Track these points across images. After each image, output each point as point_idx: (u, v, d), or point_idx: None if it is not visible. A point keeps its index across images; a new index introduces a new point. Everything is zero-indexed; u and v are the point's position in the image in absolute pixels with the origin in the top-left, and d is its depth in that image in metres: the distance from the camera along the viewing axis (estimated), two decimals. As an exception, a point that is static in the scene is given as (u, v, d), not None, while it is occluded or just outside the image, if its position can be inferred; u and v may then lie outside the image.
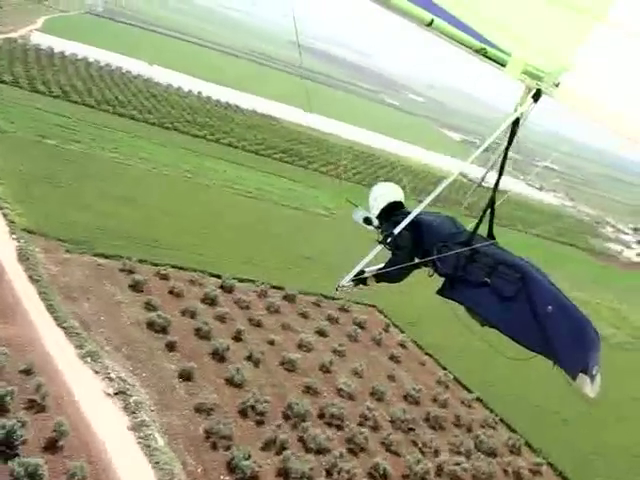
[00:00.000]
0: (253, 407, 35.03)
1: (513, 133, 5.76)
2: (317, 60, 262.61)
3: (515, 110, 5.71)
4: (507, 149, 5.93)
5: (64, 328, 35.03)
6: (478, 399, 47.74)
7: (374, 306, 55.92)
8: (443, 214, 6.71)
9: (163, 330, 38.87)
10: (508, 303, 5.51)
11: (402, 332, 53.52)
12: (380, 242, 6.37)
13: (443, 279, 6.34)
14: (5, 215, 45.24)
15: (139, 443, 29.68)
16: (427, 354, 51.82)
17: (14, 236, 43.03)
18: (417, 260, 6.50)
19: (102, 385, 32.19)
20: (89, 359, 33.48)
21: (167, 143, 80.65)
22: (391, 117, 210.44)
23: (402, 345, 51.45)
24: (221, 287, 47.15)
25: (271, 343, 42.74)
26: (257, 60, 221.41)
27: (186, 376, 35.55)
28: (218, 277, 48.22)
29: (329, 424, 37.09)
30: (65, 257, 42.99)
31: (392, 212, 6.87)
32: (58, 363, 32.12)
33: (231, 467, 30.43)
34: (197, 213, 60.53)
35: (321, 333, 47.51)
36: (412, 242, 6.34)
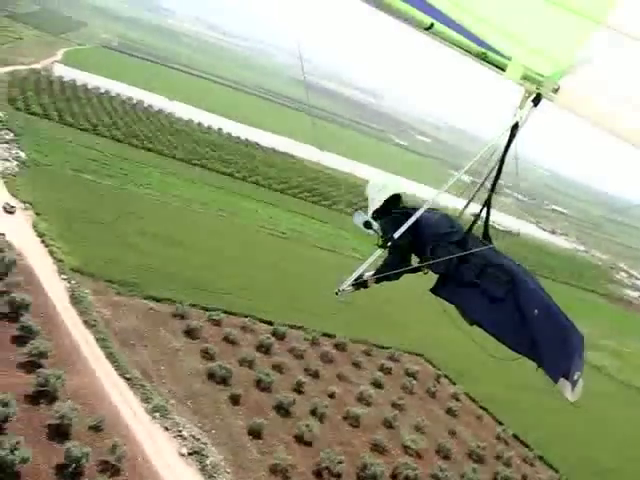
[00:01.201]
0: (327, 468, 32.65)
1: (512, 137, 5.71)
2: (325, 98, 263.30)
3: (514, 114, 5.65)
4: (505, 152, 5.88)
5: (127, 379, 32.75)
6: (539, 457, 45.41)
7: (421, 355, 53.88)
8: (440, 211, 6.60)
9: (224, 381, 36.56)
10: (496, 304, 5.51)
11: (454, 384, 51.44)
12: (380, 246, 6.27)
13: (437, 277, 6.28)
14: (52, 253, 43.04)
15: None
16: (482, 407, 49.58)
17: (64, 276, 40.80)
18: (415, 262, 6.46)
19: (175, 444, 29.80)
20: (158, 414, 31.11)
21: (196, 180, 78.94)
22: (401, 157, 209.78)
23: (456, 398, 49.26)
24: (273, 334, 44.89)
25: (331, 396, 40.51)
26: (266, 97, 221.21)
27: (256, 433, 33.23)
28: (269, 323, 46.05)
29: (401, 487, 34.82)
30: (115, 299, 40.77)
31: (390, 205, 6.76)
32: (127, 419, 29.74)
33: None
34: (237, 254, 58.52)
35: (377, 385, 45.42)
36: (409, 241, 6.27)
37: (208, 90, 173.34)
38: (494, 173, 6.18)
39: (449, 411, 46.58)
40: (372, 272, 6.41)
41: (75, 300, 38.27)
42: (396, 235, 6.07)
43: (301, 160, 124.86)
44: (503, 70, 5.22)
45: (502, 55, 5.26)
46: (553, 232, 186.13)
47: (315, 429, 35.21)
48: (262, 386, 37.74)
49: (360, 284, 6.39)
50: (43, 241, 44.41)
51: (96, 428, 28.00)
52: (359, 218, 6.55)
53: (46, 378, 28.52)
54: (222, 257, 55.89)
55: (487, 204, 6.17)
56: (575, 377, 5.16)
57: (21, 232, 44.11)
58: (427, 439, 40.79)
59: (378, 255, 6.38)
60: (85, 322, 36.39)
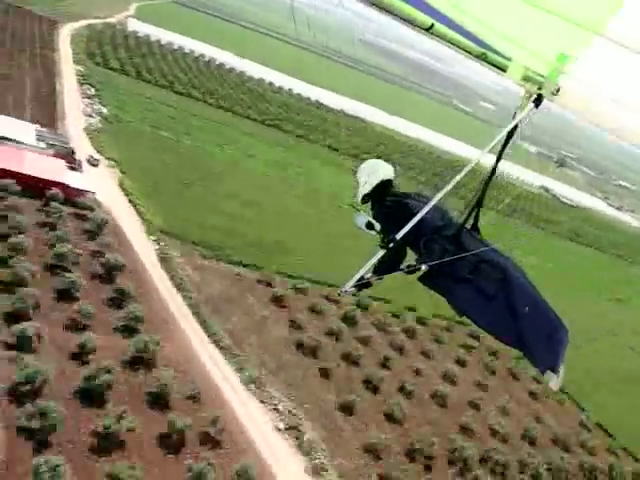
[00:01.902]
0: (419, 449, 31.72)
1: (510, 137, 5.67)
2: (388, 60, 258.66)
3: (514, 116, 5.65)
4: (501, 152, 5.81)
5: (220, 347, 32.15)
6: (623, 448, 43.73)
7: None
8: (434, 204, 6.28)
9: (313, 353, 35.77)
10: (488, 300, 5.61)
11: (535, 365, 49.61)
12: (382, 247, 6.20)
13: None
14: (139, 212, 42.62)
15: (322, 491, 26.61)
16: (563, 391, 47.93)
17: (152, 237, 40.34)
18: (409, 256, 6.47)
19: (271, 418, 29.13)
20: (252, 386, 30.47)
21: (272, 142, 77.84)
22: (465, 123, 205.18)
23: (537, 380, 47.61)
24: (357, 305, 43.89)
25: (417, 372, 39.42)
26: (334, 58, 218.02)
27: (347, 410, 32.36)
28: (353, 295, 44.94)
29: (492, 471, 33.69)
30: (201, 263, 40.16)
31: (380, 190, 6.68)
32: (223, 389, 29.16)
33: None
34: (318, 220, 57.39)
35: (460, 363, 44.13)
36: (405, 236, 6.16)
37: (276, 49, 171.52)
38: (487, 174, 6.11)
39: (532, 394, 45.13)
40: (372, 272, 6.38)
41: (165, 263, 37.81)
42: (398, 236, 6.02)
43: (370, 124, 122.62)
44: (504, 71, 5.20)
45: (502, 56, 5.25)
46: (619, 208, 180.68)
47: (404, 407, 34.29)
48: (351, 360, 36.87)
49: (363, 285, 6.41)
50: (130, 200, 44.05)
51: (194, 398, 27.48)
52: (360, 219, 6.45)
53: (145, 344, 28.03)
54: (303, 222, 54.89)
55: (479, 199, 6.11)
56: (560, 369, 5.45)
57: (108, 190, 43.77)
58: (512, 422, 39.54)
59: (380, 255, 6.31)
60: (176, 286, 35.87)
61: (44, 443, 22.12)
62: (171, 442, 24.79)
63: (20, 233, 32.68)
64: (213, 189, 52.25)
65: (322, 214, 59.69)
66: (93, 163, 47.00)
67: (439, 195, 5.97)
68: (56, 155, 42.80)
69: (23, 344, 25.54)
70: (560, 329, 5.62)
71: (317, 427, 30.07)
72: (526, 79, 5.26)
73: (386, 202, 6.59)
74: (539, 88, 5.27)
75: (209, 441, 25.67)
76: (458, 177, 5.87)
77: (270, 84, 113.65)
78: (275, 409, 29.66)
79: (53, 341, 26.81)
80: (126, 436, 23.66)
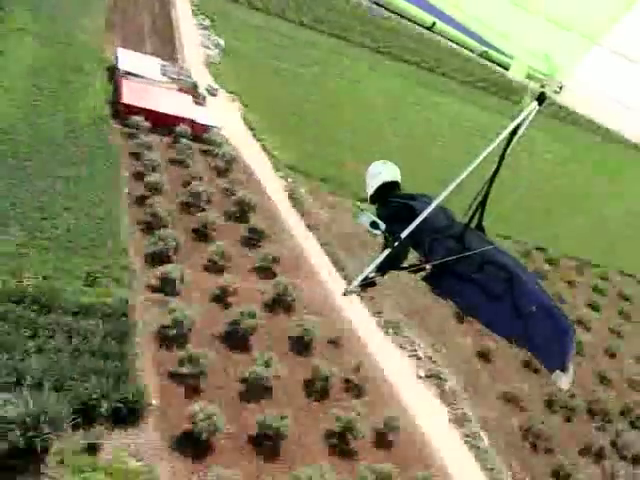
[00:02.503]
0: (557, 401, 30.42)
1: (513, 134, 5.64)
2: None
3: (517, 115, 5.61)
4: (504, 151, 5.81)
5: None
6: None
7: (633, 276, 49.69)
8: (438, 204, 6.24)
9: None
10: (494, 301, 5.55)
11: (673, 312, 46.98)
12: (387, 246, 6.13)
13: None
14: (264, 147, 41.89)
15: (466, 443, 25.73)
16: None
17: (279, 174, 39.62)
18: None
19: (410, 364, 28.35)
20: (391, 330, 29.67)
21: (388, 70, 75.10)
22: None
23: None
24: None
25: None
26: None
27: (485, 357, 31.23)
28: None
29: (633, 424, 32.15)
30: (330, 200, 39.23)
31: (385, 192, 6.68)
32: (361, 334, 28.46)
33: (560, 476, 26.13)
34: (441, 150, 55.22)
35: (594, 307, 42.13)
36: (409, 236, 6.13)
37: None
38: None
39: (671, 341, 42.68)
40: (375, 271, 6.31)
41: (294, 201, 37.09)
42: (403, 235, 5.94)
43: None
44: (506, 69, 5.35)
45: (505, 54, 5.43)
46: None
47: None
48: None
49: (368, 284, 6.39)
50: (254, 135, 43.30)
51: (334, 343, 26.92)
52: (365, 218, 6.38)
53: (285, 287, 27.51)
54: (426, 154, 52.89)
55: (484, 198, 6.03)
56: (569, 368, 5.32)
57: (231, 124, 43.02)
58: (652, 373, 37.54)
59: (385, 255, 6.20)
60: (308, 225, 35.18)
61: (195, 389, 22.00)
62: (315, 389, 24.35)
63: (154, 171, 32.45)
64: (335, 122, 50.76)
65: (445, 147, 57.57)
66: (212, 93, 46.26)
67: (443, 194, 5.92)
68: (181, 90, 42.28)
69: (168, 287, 25.40)
70: (568, 328, 5.48)
71: (457, 375, 29.13)
72: (529, 77, 5.21)
73: (390, 203, 6.55)
74: (542, 86, 5.19)
75: (352, 389, 25.11)
76: (461, 177, 5.80)
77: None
78: (415, 355, 28.81)
79: (195, 283, 26.59)
80: (273, 382, 23.30)
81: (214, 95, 46.20)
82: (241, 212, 32.56)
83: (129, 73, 40.92)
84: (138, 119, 36.33)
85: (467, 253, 5.75)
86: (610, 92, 5.04)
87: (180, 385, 21.97)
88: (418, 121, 62.95)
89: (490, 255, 5.79)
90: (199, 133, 38.28)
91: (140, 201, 30.43)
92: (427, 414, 25.86)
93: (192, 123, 38.31)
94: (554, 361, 5.46)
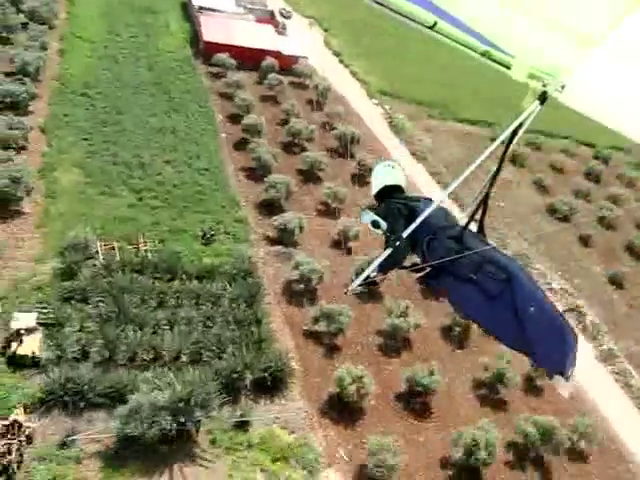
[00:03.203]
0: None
1: (514, 134, 5.50)
2: None
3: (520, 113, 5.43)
4: (506, 150, 5.65)
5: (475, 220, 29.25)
6: None
7: None
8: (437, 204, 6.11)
9: (565, 218, 32.22)
10: (491, 301, 5.42)
11: None
12: (389, 246, 6.00)
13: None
14: (353, 74, 39.43)
15: (617, 381, 23.88)
16: None
17: (374, 101, 37.23)
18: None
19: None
20: (520, 263, 27.58)
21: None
22: None
23: None
24: (596, 157, 39.35)
25: None
26: None
27: (618, 283, 29.03)
28: (591, 146, 40.18)
29: None
30: (430, 124, 36.80)
31: (388, 192, 6.62)
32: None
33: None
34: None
35: None
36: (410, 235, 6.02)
37: None
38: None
39: None
40: (377, 270, 6.17)
41: (395, 128, 34.81)
42: (405, 234, 5.85)
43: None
44: (508, 68, 5.25)
45: (506, 53, 5.36)
46: None
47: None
48: (605, 223, 32.97)
49: (369, 283, 6.32)
50: (341, 61, 40.83)
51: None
52: (367, 218, 6.29)
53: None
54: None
55: (484, 199, 5.92)
56: (569, 373, 5.12)
57: (315, 51, 40.40)
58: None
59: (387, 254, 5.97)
60: (413, 154, 33.00)
61: (333, 347, 20.68)
62: (455, 335, 22.73)
63: (249, 112, 30.61)
64: (419, 40, 47.52)
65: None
66: (286, 16, 43.45)
67: (443, 195, 6.02)
68: (259, 20, 39.87)
69: (286, 237, 23.89)
70: (568, 333, 5.13)
71: (594, 306, 27.04)
72: (531, 77, 5.21)
73: (391, 203, 6.39)
74: (544, 85, 5.11)
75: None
76: (461, 177, 5.67)
77: None
78: (549, 288, 26.78)
79: (312, 230, 25.02)
80: (412, 333, 21.77)
81: (289, 18, 43.32)
82: (345, 147, 30.50)
83: (203, 8, 38.69)
84: (223, 57, 34.32)
85: (466, 253, 5.52)
86: (610, 92, 4.97)
87: (317, 344, 20.66)
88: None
89: (489, 255, 5.56)
90: (287, 65, 36.02)
91: (240, 146, 28.74)
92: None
93: (278, 55, 36.03)
94: (553, 364, 5.16)
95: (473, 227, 6.01)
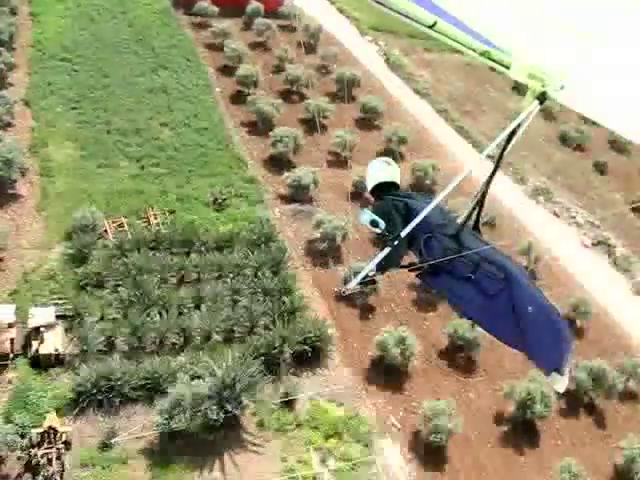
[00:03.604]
0: None
1: (513, 133, 5.24)
2: None
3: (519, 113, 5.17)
4: (505, 148, 5.43)
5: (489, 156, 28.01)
6: None
7: None
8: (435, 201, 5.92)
9: (580, 147, 31.10)
10: (490, 301, 5.30)
11: None
12: (387, 245, 5.74)
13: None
14: (341, 11, 37.43)
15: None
16: None
17: (367, 38, 35.44)
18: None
19: (572, 232, 25.36)
20: (542, 198, 26.56)
21: None
22: None
23: None
24: None
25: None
26: None
27: (641, 211, 28.03)
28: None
29: None
30: (427, 58, 35.07)
31: (383, 188, 6.33)
32: (514, 212, 25.38)
33: None
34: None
35: None
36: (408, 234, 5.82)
37: None
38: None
39: None
40: (375, 270, 5.89)
41: (392, 65, 33.18)
42: (403, 234, 5.60)
43: None
44: (508, 68, 4.93)
45: (506, 53, 5.07)
46: None
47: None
48: (616, 147, 31.80)
49: (367, 282, 6.04)
50: (326, -2, 38.72)
51: (490, 224, 23.80)
52: (365, 217, 5.94)
53: (424, 168, 24.51)
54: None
55: (481, 198, 5.65)
56: (565, 372, 5.05)
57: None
58: None
59: (385, 254, 5.66)
60: (415, 91, 31.50)
61: (367, 308, 19.63)
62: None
63: (240, 62, 28.89)
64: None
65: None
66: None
67: (442, 195, 5.58)
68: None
69: (300, 193, 22.63)
70: (564, 330, 5.10)
71: (621, 237, 26.04)
72: (530, 77, 4.85)
73: (387, 200, 6.11)
74: (543, 85, 4.83)
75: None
76: (460, 177, 5.48)
77: None
78: (574, 222, 25.75)
79: (326, 183, 23.69)
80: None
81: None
82: (348, 92, 28.92)
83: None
84: (204, 4, 32.33)
85: (464, 252, 5.35)
86: (610, 92, 4.74)
87: (350, 306, 19.56)
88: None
89: (487, 255, 5.39)
90: (272, 8, 34.01)
91: (237, 99, 27.14)
92: (605, 287, 23.03)
93: (262, -2, 34.00)
94: (550, 361, 5.07)
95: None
